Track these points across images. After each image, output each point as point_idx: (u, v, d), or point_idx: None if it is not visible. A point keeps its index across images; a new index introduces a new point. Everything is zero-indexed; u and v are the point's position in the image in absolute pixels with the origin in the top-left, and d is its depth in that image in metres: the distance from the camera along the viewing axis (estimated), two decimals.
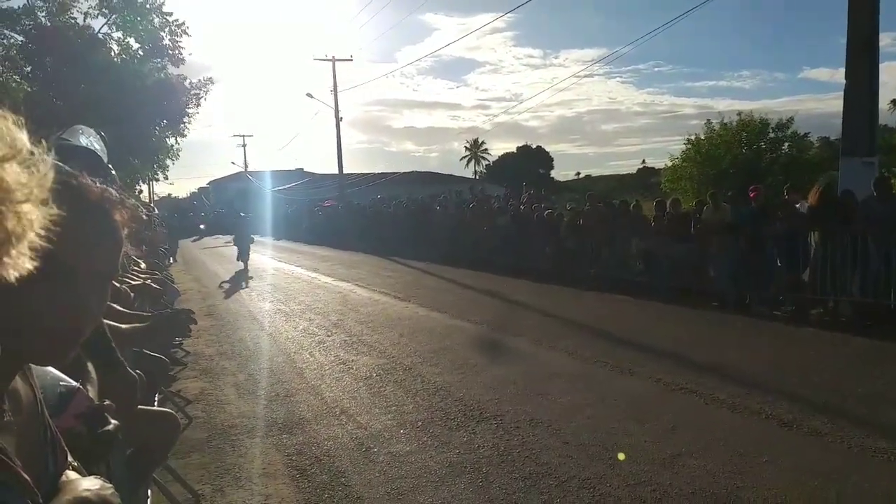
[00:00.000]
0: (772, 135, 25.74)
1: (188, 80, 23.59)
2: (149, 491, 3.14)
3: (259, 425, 4.97)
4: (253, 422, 5.06)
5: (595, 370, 6.12)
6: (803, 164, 26.80)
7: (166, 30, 21.98)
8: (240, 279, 15.21)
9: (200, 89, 24.03)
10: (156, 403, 4.06)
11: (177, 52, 22.49)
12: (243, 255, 17.27)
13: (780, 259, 8.98)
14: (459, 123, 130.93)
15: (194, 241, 31.82)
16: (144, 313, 3.84)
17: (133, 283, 5.06)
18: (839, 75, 10.69)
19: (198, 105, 24.34)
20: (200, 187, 67.10)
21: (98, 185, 0.91)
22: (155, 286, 5.28)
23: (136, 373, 3.23)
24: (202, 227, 31.51)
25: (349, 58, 36.26)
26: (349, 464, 4.13)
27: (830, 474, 3.67)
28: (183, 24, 22.07)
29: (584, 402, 5.14)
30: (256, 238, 34.20)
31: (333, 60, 34.73)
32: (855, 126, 10.05)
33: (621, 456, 4.01)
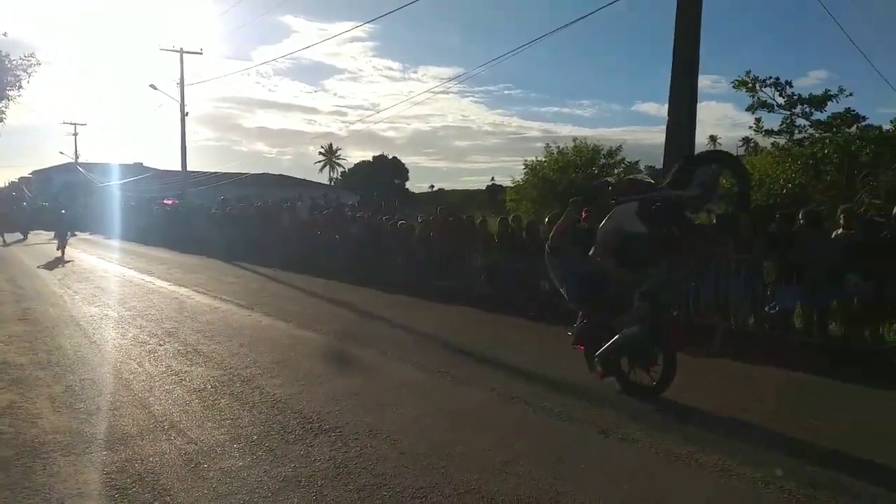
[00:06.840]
0: (602, 160, 27.73)
1: (9, 58, 21.22)
2: None
3: (76, 441, 4.58)
4: (69, 438, 4.66)
5: (438, 381, 6.28)
6: None
7: None
8: (58, 273, 13.93)
9: (24, 70, 21.73)
10: None
11: None
12: (60, 245, 20.24)
13: None
14: (315, 128, 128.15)
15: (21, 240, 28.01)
16: None
17: None
18: (664, 111, 11.84)
19: (20, 87, 21.98)
20: (21, 177, 60.86)
21: None
22: None
23: None
24: (63, 212, 24.53)
25: (199, 51, 34.94)
26: (176, 481, 3.93)
27: (639, 476, 4.06)
28: None
29: (424, 412, 5.26)
30: (84, 236, 31.47)
31: (181, 52, 33.26)
32: (675, 157, 11.13)
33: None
